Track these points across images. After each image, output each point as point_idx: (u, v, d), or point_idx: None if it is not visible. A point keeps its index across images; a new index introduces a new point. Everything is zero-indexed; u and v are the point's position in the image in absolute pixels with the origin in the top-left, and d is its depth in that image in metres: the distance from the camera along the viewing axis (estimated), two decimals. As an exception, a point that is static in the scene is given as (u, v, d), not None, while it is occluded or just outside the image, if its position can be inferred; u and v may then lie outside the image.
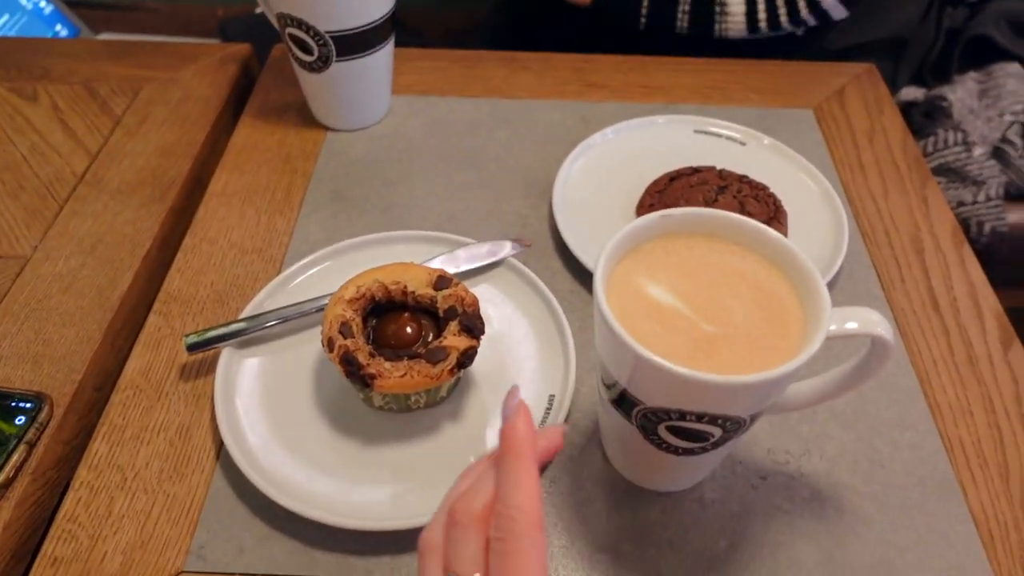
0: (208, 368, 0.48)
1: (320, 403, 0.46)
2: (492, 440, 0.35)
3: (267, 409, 0.46)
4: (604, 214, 0.59)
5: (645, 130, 0.65)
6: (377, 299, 0.46)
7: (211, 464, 0.44)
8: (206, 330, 0.48)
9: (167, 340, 0.50)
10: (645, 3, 0.78)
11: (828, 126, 0.69)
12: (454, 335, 0.43)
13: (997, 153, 1.03)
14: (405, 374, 0.41)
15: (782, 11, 0.78)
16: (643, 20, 0.78)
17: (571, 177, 0.61)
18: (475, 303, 0.45)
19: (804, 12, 0.78)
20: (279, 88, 0.71)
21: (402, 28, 0.66)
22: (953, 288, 0.55)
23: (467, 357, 0.43)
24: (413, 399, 0.44)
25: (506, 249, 0.54)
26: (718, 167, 0.59)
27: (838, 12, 0.79)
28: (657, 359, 0.32)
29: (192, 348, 0.47)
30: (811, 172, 0.61)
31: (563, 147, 0.64)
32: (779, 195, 0.57)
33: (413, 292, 0.45)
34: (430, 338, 0.45)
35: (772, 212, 0.56)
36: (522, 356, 0.49)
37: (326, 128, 0.67)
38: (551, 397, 0.46)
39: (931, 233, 0.59)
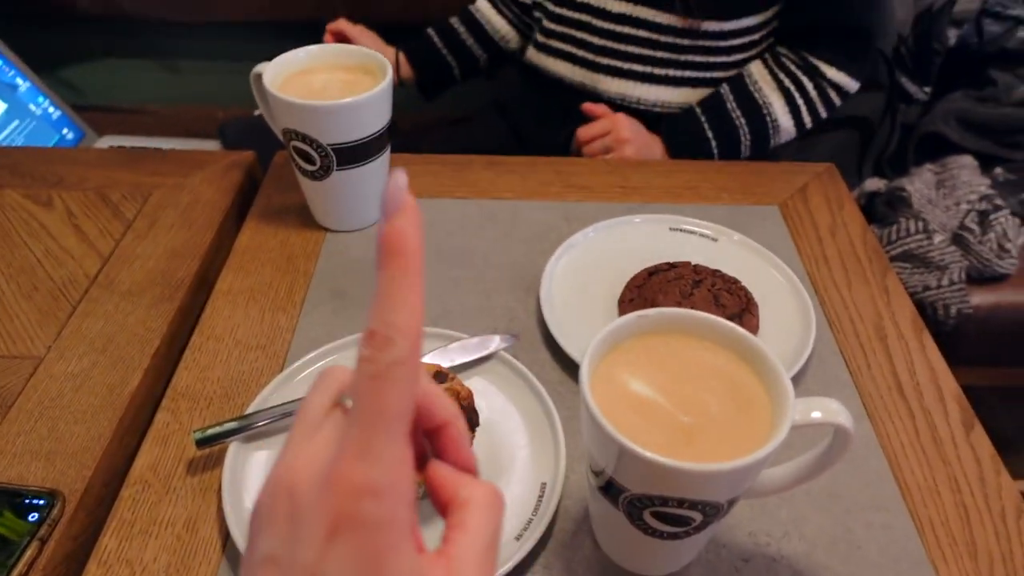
0: (215, 462, 0.51)
1: (322, 495, 0.48)
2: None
3: (271, 502, 0.48)
4: (588, 308, 0.63)
5: (624, 229, 0.70)
6: (377, 394, 0.48)
7: (217, 557, 0.46)
8: (213, 425, 0.50)
9: (175, 435, 0.53)
10: (714, 146, 0.93)
11: (793, 221, 0.74)
12: (451, 427, 0.46)
13: (957, 239, 1.09)
14: (405, 466, 0.44)
15: (821, 109, 0.93)
16: (716, 154, 0.93)
17: (556, 273, 0.65)
18: (470, 396, 0.48)
19: (837, 102, 0.94)
20: (281, 192, 0.76)
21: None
22: (916, 373, 0.59)
23: (463, 449, 0.46)
24: (412, 490, 0.47)
25: (495, 342, 0.58)
26: (693, 262, 0.63)
27: (852, 87, 0.94)
28: (639, 449, 0.35)
29: (200, 443, 0.50)
30: (778, 265, 0.66)
31: (547, 244, 0.68)
32: (750, 287, 0.62)
33: (411, 387, 0.48)
34: (428, 430, 0.48)
35: (744, 304, 0.60)
36: (514, 446, 0.51)
37: (326, 229, 0.72)
38: (543, 485, 0.49)
39: (893, 321, 0.63)
